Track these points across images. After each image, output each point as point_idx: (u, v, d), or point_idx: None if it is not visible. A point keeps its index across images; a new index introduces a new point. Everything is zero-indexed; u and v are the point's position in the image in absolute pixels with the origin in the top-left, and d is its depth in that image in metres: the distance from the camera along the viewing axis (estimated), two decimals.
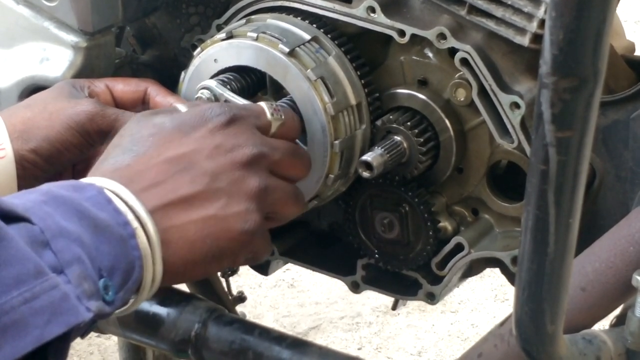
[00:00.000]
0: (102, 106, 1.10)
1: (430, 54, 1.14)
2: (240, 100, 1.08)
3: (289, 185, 1.03)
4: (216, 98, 1.09)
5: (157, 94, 1.14)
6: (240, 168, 0.97)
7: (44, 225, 0.81)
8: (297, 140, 1.13)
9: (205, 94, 1.09)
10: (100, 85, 1.15)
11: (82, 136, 1.08)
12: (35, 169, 1.07)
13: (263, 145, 1.00)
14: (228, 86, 1.11)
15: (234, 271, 1.64)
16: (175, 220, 0.93)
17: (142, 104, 1.15)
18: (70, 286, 0.80)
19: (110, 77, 1.19)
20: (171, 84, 1.27)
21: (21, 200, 0.83)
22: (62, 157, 1.08)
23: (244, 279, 2.66)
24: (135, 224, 0.89)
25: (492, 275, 2.71)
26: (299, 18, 1.15)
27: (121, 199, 0.89)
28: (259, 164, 0.99)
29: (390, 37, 1.13)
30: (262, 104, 1.04)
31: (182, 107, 1.01)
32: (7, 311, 0.75)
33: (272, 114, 1.03)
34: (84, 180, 0.91)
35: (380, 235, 1.20)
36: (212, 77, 1.15)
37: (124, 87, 1.15)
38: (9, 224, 0.78)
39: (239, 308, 1.70)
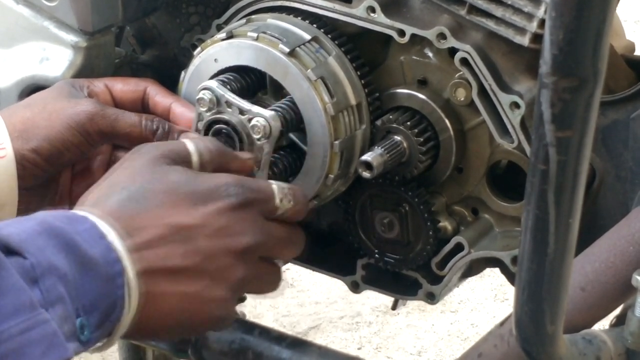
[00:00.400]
0: (102, 106, 1.10)
1: (430, 54, 1.14)
2: (242, 103, 1.08)
3: (272, 271, 1.04)
4: (217, 99, 1.09)
5: (157, 93, 1.14)
6: (232, 256, 0.98)
7: (36, 260, 0.82)
8: (297, 140, 1.14)
9: (207, 94, 1.09)
10: (99, 85, 1.14)
11: (82, 136, 1.08)
12: (35, 168, 1.07)
13: (262, 235, 1.00)
14: (228, 87, 1.11)
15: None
16: (157, 287, 0.93)
17: (141, 104, 1.15)
18: (49, 317, 0.81)
19: (109, 77, 1.19)
20: (171, 84, 1.27)
21: (17, 229, 0.84)
22: (63, 157, 1.08)
23: None
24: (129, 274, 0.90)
25: (492, 275, 2.71)
26: (299, 18, 1.15)
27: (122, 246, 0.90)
28: (252, 253, 0.99)
29: (390, 37, 1.13)
30: (275, 187, 1.03)
31: (193, 151, 1.00)
32: (6, 339, 0.76)
33: (281, 200, 1.03)
34: (80, 210, 0.91)
35: (380, 235, 1.20)
36: (212, 77, 1.15)
37: (123, 86, 1.15)
38: (5, 255, 0.79)
39: (239, 308, 1.70)
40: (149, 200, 0.94)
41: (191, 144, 1.01)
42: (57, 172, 1.10)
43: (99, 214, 0.91)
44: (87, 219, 0.90)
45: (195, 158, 1.00)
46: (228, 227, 0.97)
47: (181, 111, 1.12)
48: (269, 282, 1.05)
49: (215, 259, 0.96)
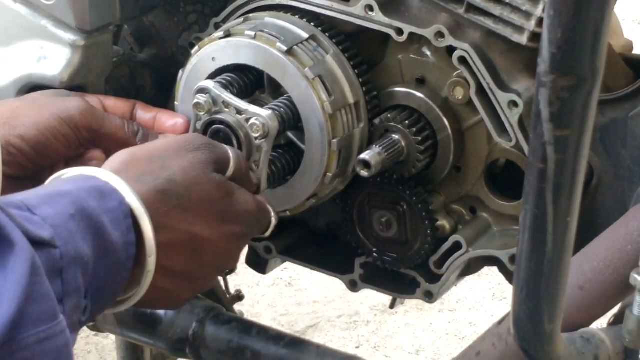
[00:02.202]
0: (91, 106, 1.11)
1: (428, 53, 1.14)
2: (239, 103, 1.08)
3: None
4: (214, 99, 1.09)
5: (143, 107, 1.16)
6: (219, 271, 1.05)
7: (65, 250, 0.83)
8: (295, 139, 1.14)
9: (203, 98, 1.09)
10: (92, 97, 1.16)
11: (71, 128, 1.08)
12: (21, 155, 1.07)
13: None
14: (226, 87, 1.11)
15: (231, 270, 1.64)
16: (154, 281, 0.95)
17: (130, 117, 1.16)
18: (66, 321, 0.82)
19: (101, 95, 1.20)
20: (169, 83, 1.27)
21: (53, 211, 0.85)
22: (50, 147, 1.08)
23: (241, 278, 2.66)
24: (151, 267, 0.93)
25: (490, 274, 2.71)
26: (297, 16, 1.15)
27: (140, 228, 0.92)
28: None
29: (388, 36, 1.13)
30: (273, 218, 1.07)
31: (232, 159, 1.02)
32: (23, 347, 0.77)
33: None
34: (117, 177, 0.92)
35: (378, 234, 1.20)
36: (210, 76, 1.14)
37: (115, 101, 1.17)
38: (36, 247, 0.80)
39: (237, 307, 1.70)
40: (187, 202, 0.96)
41: (232, 153, 1.03)
42: (45, 166, 1.09)
43: (140, 189, 0.93)
44: (115, 192, 0.91)
45: (232, 166, 1.03)
46: (232, 250, 1.02)
47: (165, 118, 1.14)
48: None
49: (207, 271, 1.01)
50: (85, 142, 1.10)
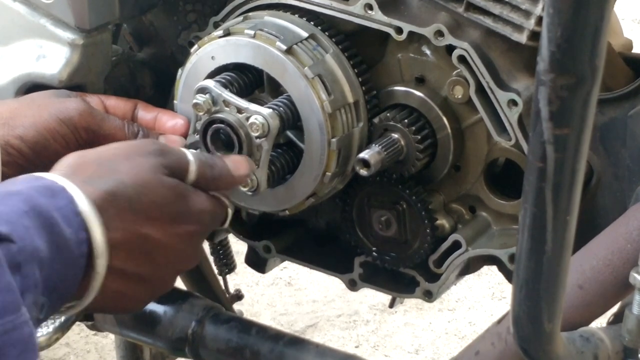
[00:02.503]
0: (91, 107, 1.11)
1: (428, 52, 1.14)
2: (239, 102, 1.08)
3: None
4: (214, 99, 1.09)
5: (144, 108, 1.16)
6: (177, 272, 1.03)
7: (22, 245, 0.83)
8: (294, 138, 1.14)
9: (202, 98, 1.09)
10: (93, 97, 1.16)
11: (69, 128, 1.08)
12: (20, 156, 1.07)
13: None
14: (226, 86, 1.11)
15: (231, 269, 1.64)
16: (109, 283, 0.95)
17: (131, 118, 1.16)
18: (28, 314, 0.82)
19: (102, 95, 1.19)
20: (168, 82, 1.26)
21: (6, 208, 0.85)
22: (49, 147, 1.07)
23: (241, 277, 2.66)
24: (100, 269, 0.92)
25: (490, 273, 2.71)
26: (297, 15, 1.15)
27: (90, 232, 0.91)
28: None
29: (387, 35, 1.13)
30: (230, 210, 1.05)
31: (192, 162, 1.01)
32: None
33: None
34: (65, 178, 0.92)
35: (377, 233, 1.20)
36: (209, 75, 1.14)
37: (116, 101, 1.17)
38: None
39: (236, 306, 1.70)
40: (137, 204, 0.95)
41: (191, 156, 1.02)
42: (43, 165, 1.07)
43: (88, 191, 0.92)
44: (65, 192, 0.90)
45: (192, 169, 1.01)
46: (188, 250, 1.00)
47: (166, 119, 1.14)
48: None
49: (163, 273, 1.00)
50: (84, 143, 1.10)
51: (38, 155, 1.07)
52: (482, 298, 2.75)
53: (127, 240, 0.95)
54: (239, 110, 1.08)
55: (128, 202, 0.95)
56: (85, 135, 1.09)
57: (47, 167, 1.07)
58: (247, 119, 1.07)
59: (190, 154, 1.02)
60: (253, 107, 1.07)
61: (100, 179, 0.94)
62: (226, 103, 1.08)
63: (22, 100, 1.11)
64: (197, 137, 1.10)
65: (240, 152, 1.08)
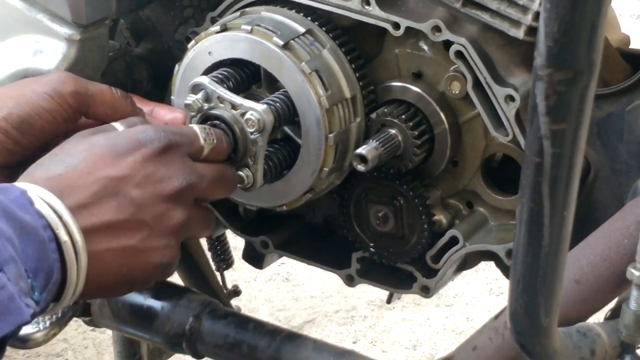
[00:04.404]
0: (74, 75, 1.09)
1: (425, 47, 1.14)
2: (234, 98, 1.08)
3: (207, 213, 1.05)
4: (209, 95, 1.08)
5: (140, 101, 1.14)
6: (166, 201, 0.98)
7: None
8: (291, 133, 1.13)
9: (190, 99, 1.08)
10: None
11: (55, 99, 1.06)
12: (7, 139, 1.05)
13: (192, 175, 1.00)
14: (221, 82, 1.11)
15: (228, 265, 1.64)
16: (95, 246, 0.94)
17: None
18: (11, 284, 0.83)
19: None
20: (165, 77, 1.26)
21: None
22: (35, 125, 1.05)
23: (239, 273, 2.66)
24: (64, 237, 0.91)
25: (487, 269, 2.71)
26: (294, 11, 1.15)
27: (53, 210, 0.91)
28: (186, 195, 1.00)
29: (384, 30, 1.12)
30: (196, 128, 1.04)
31: (119, 126, 1.02)
32: None
33: (204, 139, 1.03)
34: (16, 182, 0.93)
35: (375, 229, 1.20)
36: (206, 70, 1.14)
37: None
38: None
39: (234, 302, 1.70)
40: (72, 158, 0.96)
41: (119, 124, 1.02)
42: (34, 149, 1.07)
43: (30, 180, 0.93)
44: (15, 187, 0.91)
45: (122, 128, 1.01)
46: (156, 172, 0.98)
47: (164, 112, 1.13)
48: (204, 225, 1.05)
49: (149, 207, 0.97)
50: (72, 114, 1.07)
51: (25, 134, 1.05)
52: (479, 294, 2.75)
53: (89, 194, 0.94)
54: (234, 106, 1.08)
55: (63, 163, 0.95)
56: (72, 101, 1.07)
57: (34, 148, 1.05)
58: (242, 114, 1.07)
59: (117, 123, 1.02)
60: (247, 103, 1.07)
61: (37, 165, 0.96)
62: (221, 99, 1.08)
63: (8, 85, 1.10)
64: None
65: (235, 147, 1.07)
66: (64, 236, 0.91)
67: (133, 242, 0.96)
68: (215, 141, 1.04)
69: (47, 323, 1.30)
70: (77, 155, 0.96)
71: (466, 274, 2.64)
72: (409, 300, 2.69)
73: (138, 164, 0.97)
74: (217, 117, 1.08)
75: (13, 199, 0.89)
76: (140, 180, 0.97)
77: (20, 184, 0.93)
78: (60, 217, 0.91)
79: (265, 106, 1.07)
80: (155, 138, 0.99)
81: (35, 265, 0.87)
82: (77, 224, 0.92)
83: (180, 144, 1.01)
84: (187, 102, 1.09)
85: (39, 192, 0.92)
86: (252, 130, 1.07)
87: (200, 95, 1.09)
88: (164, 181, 0.98)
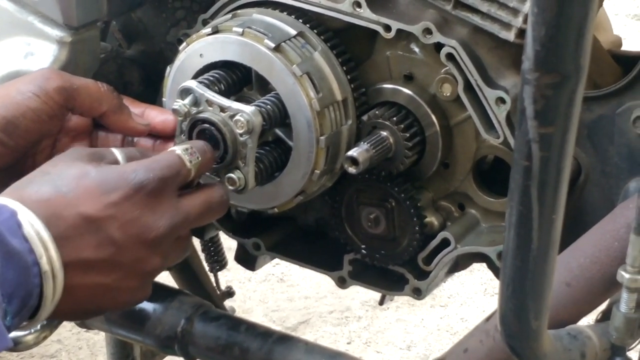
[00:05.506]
0: (58, 70, 1.08)
1: (416, 49, 1.14)
2: (222, 101, 1.08)
3: (185, 242, 1.04)
4: (197, 99, 1.08)
5: (131, 103, 1.13)
6: (147, 246, 0.98)
7: None
8: (283, 135, 1.13)
9: (177, 105, 1.08)
10: None
11: (41, 97, 1.05)
12: None
13: (177, 217, 0.99)
14: (210, 85, 1.11)
15: (222, 266, 1.64)
16: (71, 280, 0.94)
17: None
18: None
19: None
20: (157, 79, 1.26)
21: None
22: (19, 125, 1.04)
23: (233, 274, 2.66)
24: (46, 267, 0.91)
25: (482, 270, 2.71)
26: (285, 13, 1.15)
27: (40, 238, 0.91)
28: (168, 239, 0.99)
29: (376, 32, 1.12)
30: (179, 151, 1.02)
31: (118, 154, 1.01)
32: None
33: (190, 162, 1.02)
34: (3, 196, 0.93)
35: (366, 231, 1.20)
36: (197, 74, 1.14)
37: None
38: None
39: (228, 303, 1.70)
40: (63, 183, 0.95)
41: (119, 152, 1.01)
42: (23, 150, 1.07)
43: (20, 198, 0.93)
44: (6, 207, 0.91)
45: (120, 158, 1.01)
46: (141, 217, 0.97)
47: (155, 114, 1.12)
48: (180, 255, 1.05)
49: (130, 250, 0.97)
50: (58, 110, 1.06)
51: (11, 136, 1.04)
52: (474, 294, 2.75)
53: (72, 226, 0.93)
54: (222, 109, 1.07)
55: (52, 186, 0.94)
56: (58, 97, 1.06)
57: (22, 149, 1.05)
58: (232, 117, 1.07)
59: (115, 149, 1.02)
60: (236, 105, 1.07)
61: (28, 181, 0.95)
62: (209, 102, 1.08)
63: None
64: (183, 137, 1.10)
65: (225, 150, 1.07)
66: (45, 266, 0.91)
67: (107, 281, 0.96)
68: (200, 158, 1.03)
69: (38, 326, 1.30)
70: (67, 181, 0.96)
71: (460, 274, 2.64)
72: (403, 301, 2.69)
73: (124, 206, 0.96)
74: (206, 121, 1.08)
75: (2, 221, 0.89)
76: (124, 223, 0.96)
77: (10, 202, 0.92)
78: (45, 247, 0.91)
79: (253, 108, 1.07)
80: (145, 180, 0.97)
81: (12, 290, 0.88)
82: (60, 257, 0.92)
83: (169, 181, 0.99)
84: (174, 107, 1.09)
85: (28, 216, 0.92)
86: (241, 132, 1.07)
87: (187, 100, 1.08)
88: (147, 227, 0.97)
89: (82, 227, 0.94)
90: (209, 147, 1.06)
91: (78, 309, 0.97)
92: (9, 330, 0.87)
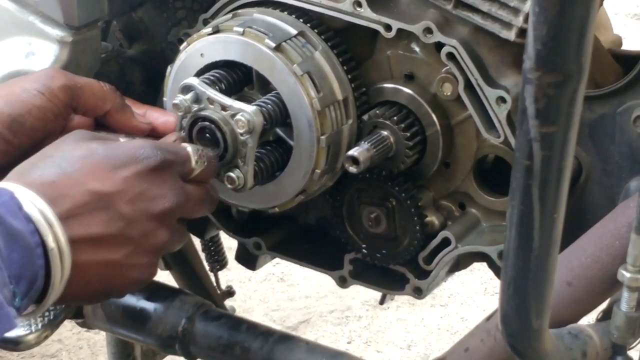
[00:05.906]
0: (62, 70, 1.09)
1: (417, 49, 1.14)
2: (223, 99, 1.08)
3: (183, 230, 1.05)
4: (198, 97, 1.09)
5: (132, 104, 1.13)
6: (154, 220, 0.99)
7: None
8: (283, 135, 1.14)
9: (177, 100, 1.08)
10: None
11: (46, 95, 1.05)
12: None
13: (181, 196, 1.01)
14: (212, 84, 1.11)
15: (222, 265, 1.64)
16: (80, 257, 0.94)
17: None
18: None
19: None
20: (158, 78, 1.26)
21: None
22: (25, 123, 1.04)
23: (233, 273, 2.66)
24: (52, 244, 0.91)
25: (482, 269, 2.70)
26: (286, 13, 1.15)
27: (44, 216, 0.91)
28: (172, 215, 1.00)
29: (376, 32, 1.12)
30: (189, 149, 1.04)
31: (122, 139, 1.02)
32: None
33: (196, 161, 1.04)
34: (3, 182, 0.93)
35: (367, 230, 1.20)
36: (198, 72, 1.14)
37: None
38: None
39: (229, 302, 1.70)
40: (69, 164, 0.95)
41: (120, 137, 1.02)
42: (28, 148, 1.06)
43: (23, 183, 0.93)
44: (5, 190, 0.91)
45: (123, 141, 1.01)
46: (148, 191, 0.98)
47: (157, 115, 1.13)
48: (180, 241, 1.05)
49: (139, 224, 0.98)
50: (63, 109, 1.07)
51: (16, 134, 1.04)
52: (474, 294, 2.75)
53: (80, 203, 0.94)
54: (224, 107, 1.08)
55: (57, 167, 0.95)
56: (62, 96, 1.06)
57: (26, 147, 1.05)
58: (232, 116, 1.07)
59: (122, 136, 1.02)
60: (237, 104, 1.07)
61: (30, 165, 0.95)
62: (210, 101, 1.08)
63: None
64: (183, 134, 1.10)
65: (225, 148, 1.08)
66: (51, 243, 0.91)
67: (117, 257, 0.96)
68: (206, 163, 1.04)
69: (39, 325, 1.30)
70: (73, 161, 0.96)
71: (461, 273, 2.64)
72: (403, 300, 2.69)
73: (132, 180, 0.97)
74: (207, 119, 1.08)
75: (2, 203, 0.89)
76: (132, 197, 0.97)
77: (8, 184, 0.93)
78: (50, 225, 0.91)
79: (254, 107, 1.07)
80: (152, 155, 0.99)
81: (19, 271, 0.87)
82: (65, 233, 0.92)
83: (173, 163, 1.01)
84: (174, 102, 1.09)
85: (30, 196, 0.92)
86: (241, 131, 1.07)
87: (189, 96, 1.09)
88: (155, 200, 0.98)
89: (91, 203, 0.94)
90: (217, 161, 1.07)
91: (88, 290, 0.96)
92: (19, 311, 0.87)
